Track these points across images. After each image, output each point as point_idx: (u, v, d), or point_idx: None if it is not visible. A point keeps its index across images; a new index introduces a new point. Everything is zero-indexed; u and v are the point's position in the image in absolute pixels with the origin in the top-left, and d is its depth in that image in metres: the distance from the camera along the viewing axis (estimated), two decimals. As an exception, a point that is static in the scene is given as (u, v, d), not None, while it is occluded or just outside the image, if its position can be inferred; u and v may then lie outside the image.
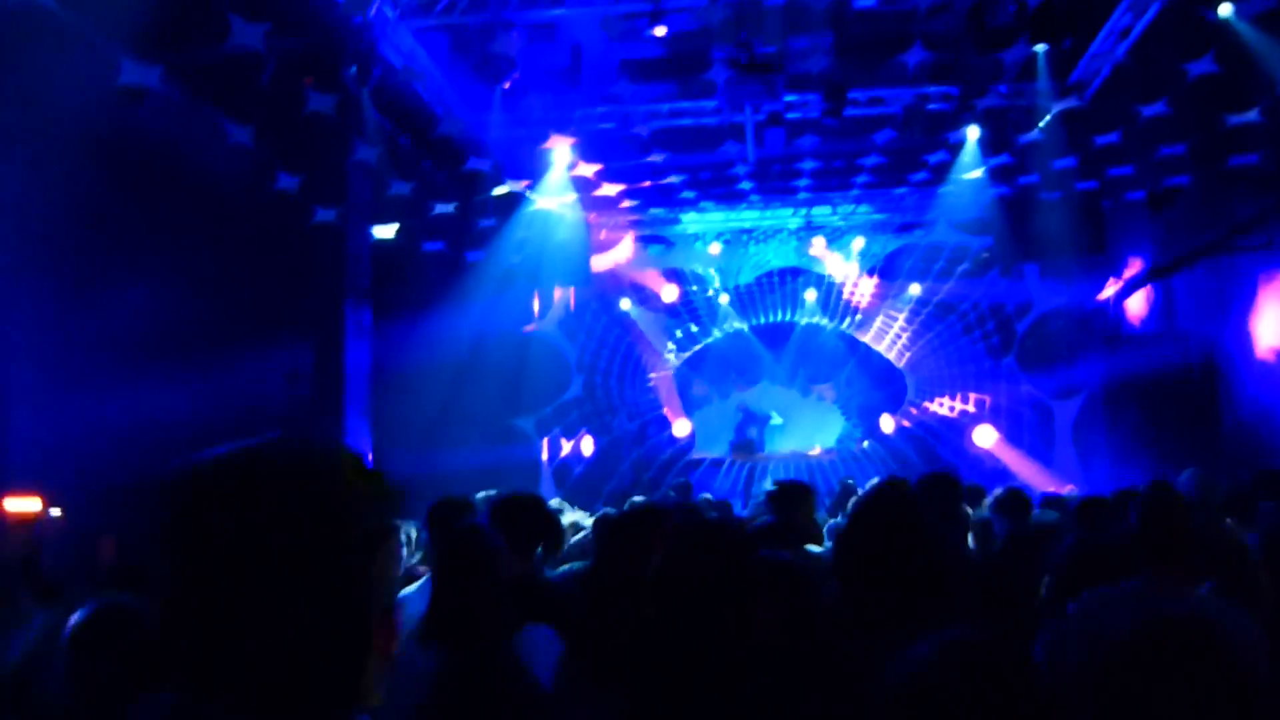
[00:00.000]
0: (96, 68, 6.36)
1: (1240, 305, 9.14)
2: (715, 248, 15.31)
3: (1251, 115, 7.98)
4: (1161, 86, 8.61)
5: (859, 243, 15.10)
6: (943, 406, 15.10)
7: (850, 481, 9.84)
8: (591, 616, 2.88)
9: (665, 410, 16.17)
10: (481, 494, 5.41)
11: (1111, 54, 9.81)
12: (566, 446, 14.37)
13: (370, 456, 9.75)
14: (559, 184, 12.14)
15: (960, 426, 14.56)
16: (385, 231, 10.09)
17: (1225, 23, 8.13)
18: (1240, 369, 9.17)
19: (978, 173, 11.94)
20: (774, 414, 16.15)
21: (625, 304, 15.58)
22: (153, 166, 7.21)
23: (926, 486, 4.56)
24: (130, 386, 7.09)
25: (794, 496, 4.77)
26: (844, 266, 15.37)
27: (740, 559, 2.10)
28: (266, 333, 8.69)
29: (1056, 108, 10.23)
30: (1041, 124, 10.25)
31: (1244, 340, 9.08)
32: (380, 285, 10.01)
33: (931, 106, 11.33)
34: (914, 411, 15.63)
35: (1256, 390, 8.93)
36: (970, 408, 14.52)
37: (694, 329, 16.40)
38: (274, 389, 8.58)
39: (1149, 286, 11.19)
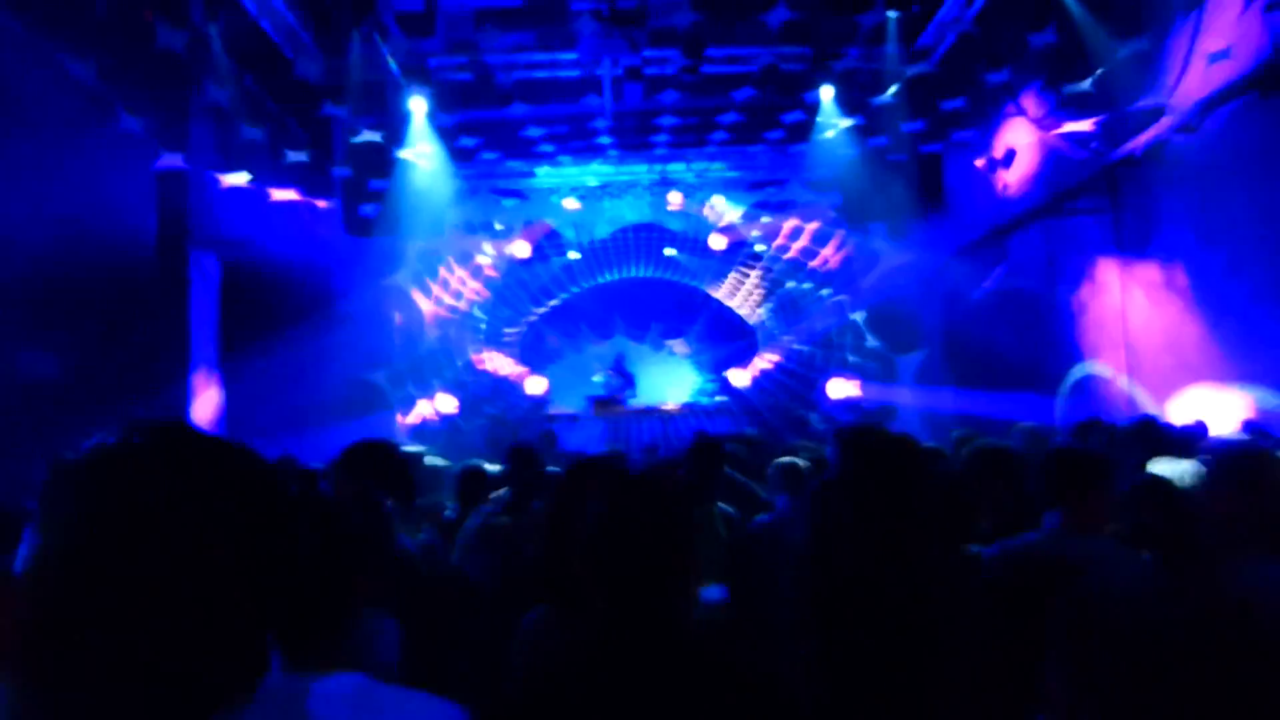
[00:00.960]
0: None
1: (1071, 267, 9.88)
2: (571, 202, 15.25)
3: (1084, 85, 8.56)
4: (1005, 55, 9.12)
5: (719, 200, 15.33)
6: (789, 362, 15.64)
7: (703, 433, 9.97)
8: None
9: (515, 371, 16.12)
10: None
11: (959, 21, 10.28)
12: (425, 406, 14.15)
13: (220, 417, 9.37)
14: (417, 133, 11.80)
15: (810, 379, 15.13)
16: (235, 180, 9.58)
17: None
18: (1070, 327, 9.92)
19: (830, 133, 12.31)
20: (635, 378, 16.28)
21: (481, 259, 15.36)
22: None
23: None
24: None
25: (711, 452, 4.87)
26: (696, 223, 15.60)
27: (682, 511, 2.08)
28: (109, 285, 8.14)
29: (909, 72, 10.65)
30: (892, 88, 10.66)
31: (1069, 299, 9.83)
32: (229, 235, 9.54)
33: (787, 66, 11.60)
34: (765, 366, 16.11)
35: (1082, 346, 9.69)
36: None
37: (549, 284, 16.34)
38: (120, 347, 8.04)
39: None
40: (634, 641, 1.89)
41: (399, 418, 13.75)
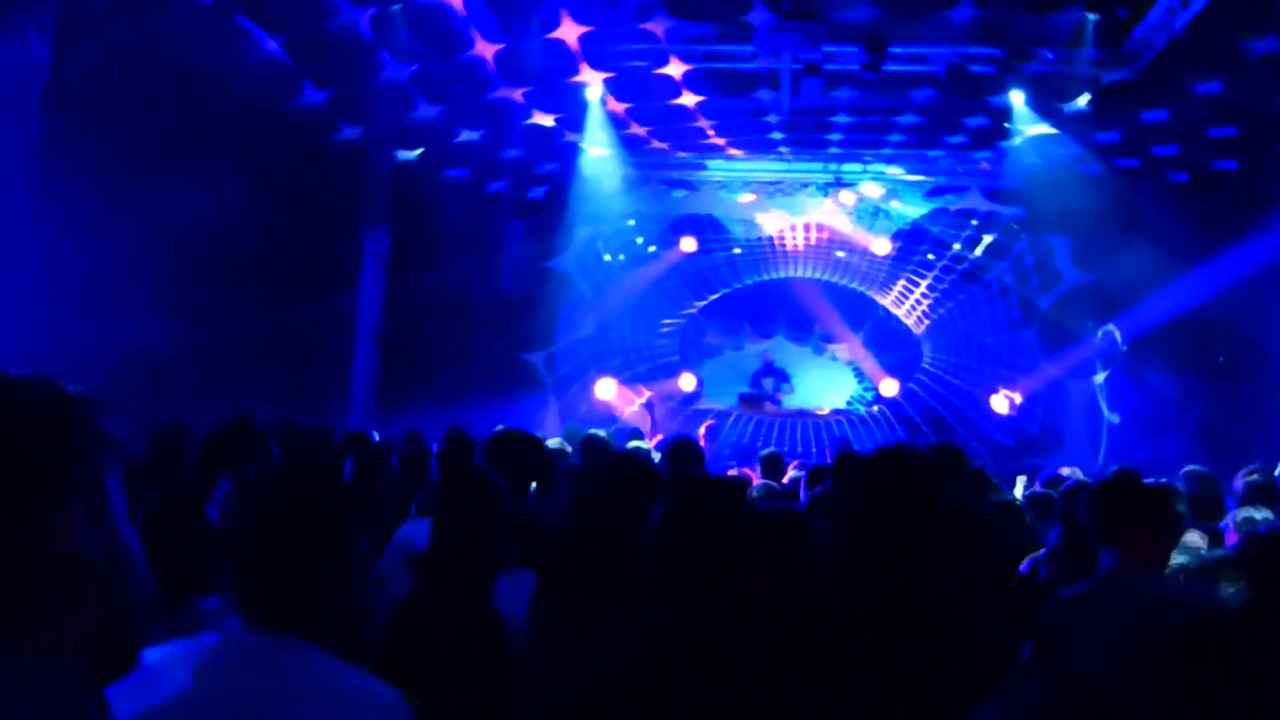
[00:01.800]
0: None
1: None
2: (746, 197, 15.06)
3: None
4: (1218, 64, 8.33)
5: (890, 203, 14.83)
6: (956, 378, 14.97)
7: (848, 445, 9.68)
8: (570, 560, 2.84)
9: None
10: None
11: (1169, 26, 9.47)
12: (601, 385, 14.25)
13: (377, 383, 9.70)
14: (589, 120, 11.90)
15: (974, 396, 14.44)
16: (409, 156, 9.94)
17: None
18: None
19: (1018, 140, 11.64)
20: (792, 378, 15.94)
21: (648, 248, 15.41)
22: (177, 74, 7.01)
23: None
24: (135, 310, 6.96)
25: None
26: (869, 227, 15.13)
27: (744, 515, 2.05)
28: (287, 257, 8.54)
29: (1105, 79, 9.92)
30: (1087, 96, 9.94)
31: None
32: (400, 210, 9.88)
33: (974, 68, 11.03)
34: (926, 379, 15.50)
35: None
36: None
37: (712, 278, 16.23)
38: (292, 314, 8.43)
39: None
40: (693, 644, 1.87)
41: (552, 401, 13.96)
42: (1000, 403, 13.81)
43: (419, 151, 9.87)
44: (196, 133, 7.24)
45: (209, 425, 4.10)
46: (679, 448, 5.05)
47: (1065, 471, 8.22)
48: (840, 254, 15.75)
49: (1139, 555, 2.94)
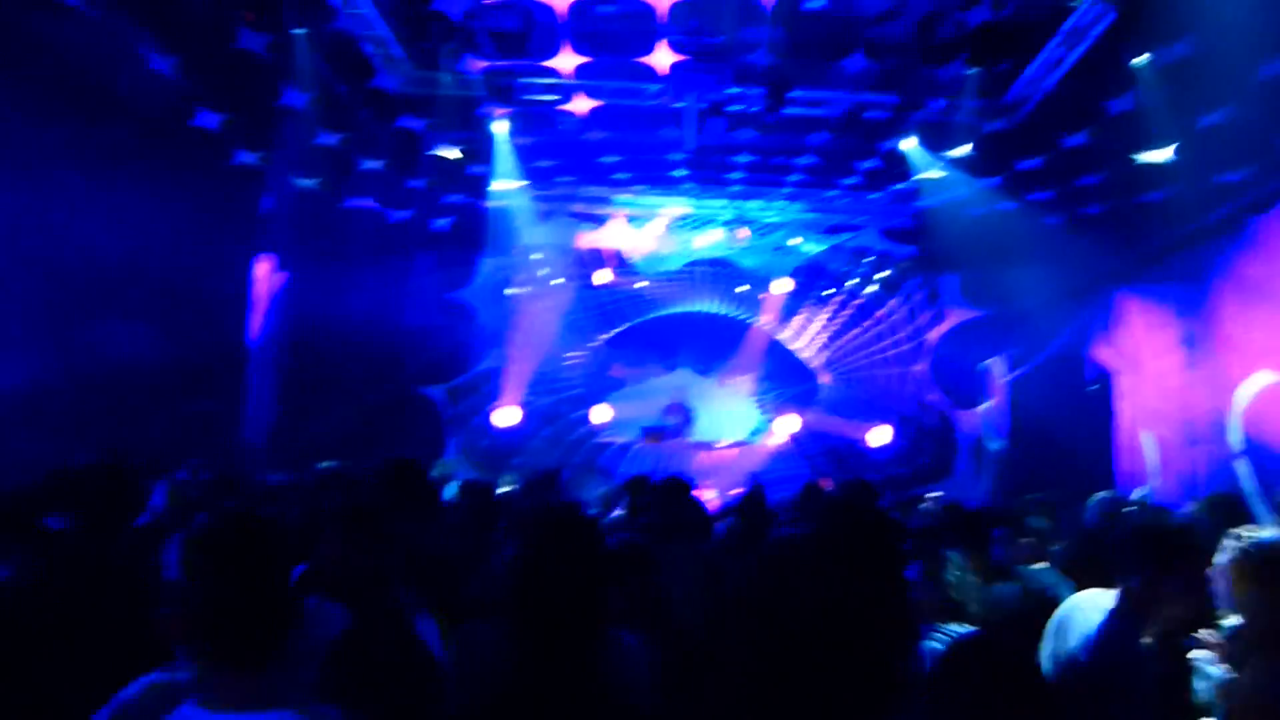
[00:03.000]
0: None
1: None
2: (651, 232, 15.28)
3: (1165, 155, 8.27)
4: (1083, 119, 8.86)
5: (788, 240, 15.23)
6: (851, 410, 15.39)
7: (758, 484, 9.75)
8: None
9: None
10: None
11: (1042, 82, 10.04)
12: (501, 410, 14.24)
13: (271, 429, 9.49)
14: (496, 152, 11.97)
15: (862, 427, 14.87)
16: (308, 183, 9.83)
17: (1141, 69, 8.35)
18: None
19: (908, 183, 12.12)
20: (695, 416, 16.13)
21: (551, 281, 15.48)
22: (63, 85, 6.82)
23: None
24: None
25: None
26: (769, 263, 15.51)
27: (592, 547, 2.14)
28: (174, 280, 8.34)
29: (988, 128, 10.43)
30: (970, 144, 10.42)
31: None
32: (299, 239, 9.77)
33: (869, 114, 11.47)
34: (824, 411, 15.86)
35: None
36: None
37: (616, 312, 16.37)
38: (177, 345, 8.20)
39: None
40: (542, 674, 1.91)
41: (454, 434, 13.85)
42: (879, 436, 14.33)
43: (319, 180, 9.79)
44: (80, 149, 7.05)
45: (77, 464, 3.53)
46: (537, 479, 5.55)
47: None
48: (741, 289, 16.09)
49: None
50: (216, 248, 8.67)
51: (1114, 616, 2.84)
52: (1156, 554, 2.84)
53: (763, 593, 1.77)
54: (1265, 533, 2.82)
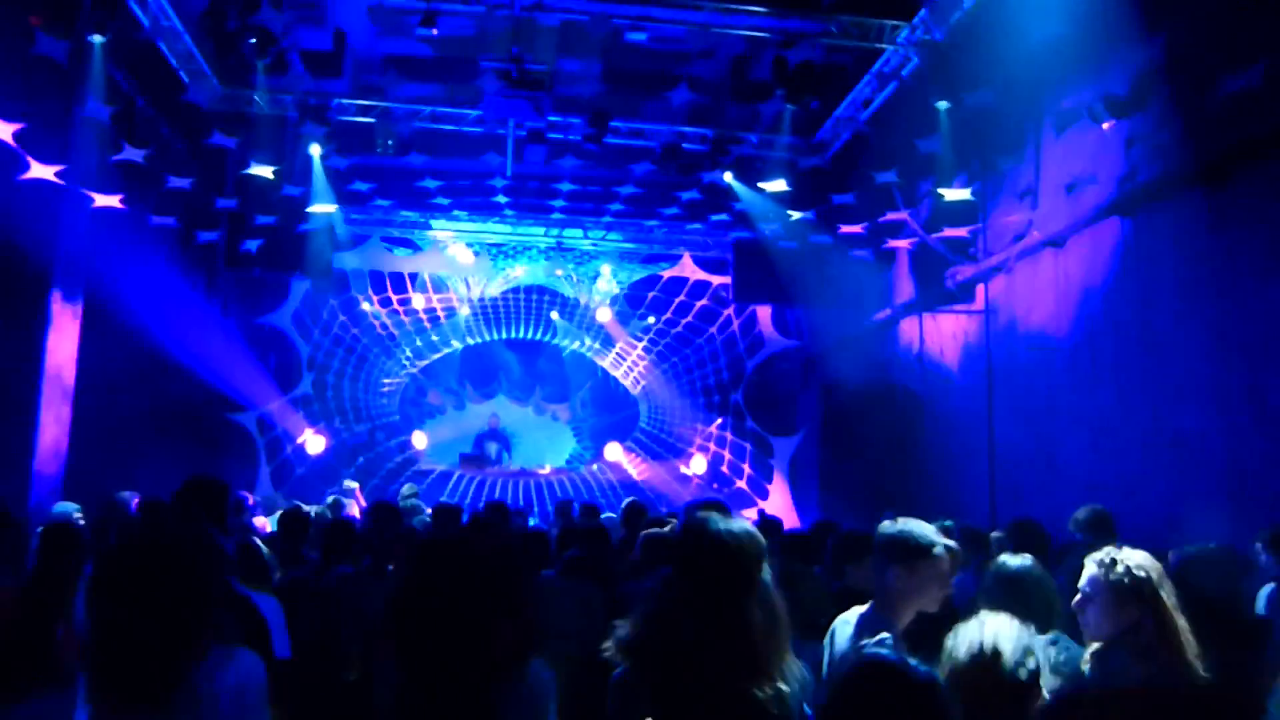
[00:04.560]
0: None
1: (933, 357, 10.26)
2: (469, 258, 15.14)
3: (964, 194, 8.99)
4: (893, 157, 9.50)
5: (606, 269, 15.46)
6: (669, 435, 15.74)
7: (567, 502, 9.64)
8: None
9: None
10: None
11: (853, 122, 10.70)
12: (306, 437, 13.65)
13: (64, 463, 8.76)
14: (311, 173, 11.56)
15: (686, 455, 15.23)
16: (109, 201, 9.13)
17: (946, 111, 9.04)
18: (940, 417, 10.25)
19: (725, 215, 12.57)
20: (514, 444, 16.04)
21: (366, 306, 15.05)
22: None
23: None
24: None
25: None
26: (588, 291, 15.69)
27: (484, 577, 1.94)
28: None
29: (802, 164, 10.98)
30: (784, 180, 10.90)
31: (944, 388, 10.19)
32: (98, 258, 9.08)
33: (688, 146, 11.85)
34: (644, 438, 16.14)
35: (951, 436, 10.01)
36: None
37: (434, 338, 16.10)
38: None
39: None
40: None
41: (264, 463, 13.20)
42: (696, 464, 14.81)
43: (120, 196, 9.13)
44: None
45: None
46: (378, 511, 5.79)
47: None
48: (556, 316, 16.18)
49: None
50: (5, 267, 7.94)
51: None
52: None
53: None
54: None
